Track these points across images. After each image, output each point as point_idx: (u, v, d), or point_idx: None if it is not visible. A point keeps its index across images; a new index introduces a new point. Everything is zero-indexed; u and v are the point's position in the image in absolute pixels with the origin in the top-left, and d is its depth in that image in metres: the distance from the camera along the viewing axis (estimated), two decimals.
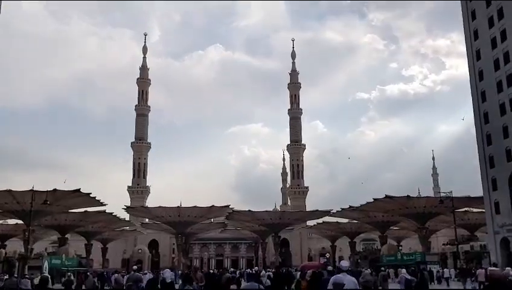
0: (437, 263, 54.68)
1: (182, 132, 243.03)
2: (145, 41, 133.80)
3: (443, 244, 75.09)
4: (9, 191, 55.61)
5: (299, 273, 28.47)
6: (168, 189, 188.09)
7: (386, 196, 59.74)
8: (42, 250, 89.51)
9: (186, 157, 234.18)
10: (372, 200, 62.82)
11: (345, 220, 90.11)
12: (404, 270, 21.66)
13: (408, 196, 60.09)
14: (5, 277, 25.80)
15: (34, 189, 50.70)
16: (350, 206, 73.04)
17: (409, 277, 20.62)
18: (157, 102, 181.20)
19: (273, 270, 34.99)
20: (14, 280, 20.71)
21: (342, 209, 76.46)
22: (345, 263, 12.56)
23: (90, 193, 61.51)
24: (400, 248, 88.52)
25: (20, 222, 68.02)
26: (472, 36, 57.70)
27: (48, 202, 45.29)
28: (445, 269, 50.18)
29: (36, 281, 24.19)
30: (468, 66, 58.07)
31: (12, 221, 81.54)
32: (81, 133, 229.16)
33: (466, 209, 71.68)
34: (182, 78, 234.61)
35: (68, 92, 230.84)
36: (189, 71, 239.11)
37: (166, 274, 22.27)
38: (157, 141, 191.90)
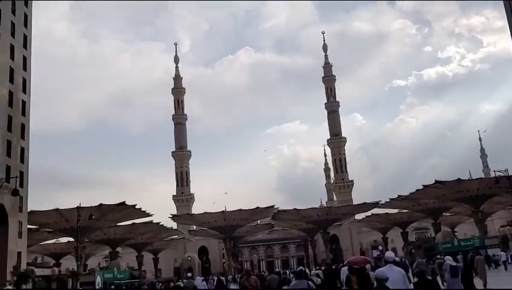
0: (497, 246, 51.67)
1: (220, 138, 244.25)
2: (176, 51, 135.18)
3: (501, 226, 71.37)
4: (57, 209, 56.76)
5: (345, 268, 27.03)
6: (212, 195, 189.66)
7: (436, 181, 57.23)
8: (95, 265, 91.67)
9: (227, 163, 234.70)
10: (422, 187, 60.36)
11: (395, 211, 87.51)
12: (449, 257, 19.96)
13: (459, 179, 57.33)
14: None
15: (80, 206, 51.39)
16: (399, 196, 70.64)
17: (454, 264, 19.02)
18: (193, 111, 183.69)
19: (323, 268, 33.58)
20: None
21: (391, 199, 74.09)
22: (390, 254, 11.72)
23: (135, 205, 62.02)
24: (455, 234, 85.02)
25: (71, 239, 69.57)
26: None
27: (94, 217, 45.80)
28: (501, 253, 47.27)
29: None
30: None
31: (64, 239, 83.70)
32: (122, 149, 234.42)
33: None
34: (215, 85, 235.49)
35: (106, 110, 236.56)
36: (221, 77, 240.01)
37: (197, 282, 21.96)
38: (197, 149, 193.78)
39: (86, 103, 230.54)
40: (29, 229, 66.17)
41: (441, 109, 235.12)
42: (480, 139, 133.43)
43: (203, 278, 28.52)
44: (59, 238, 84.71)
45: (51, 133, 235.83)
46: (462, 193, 60.23)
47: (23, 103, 48.78)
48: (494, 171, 45.48)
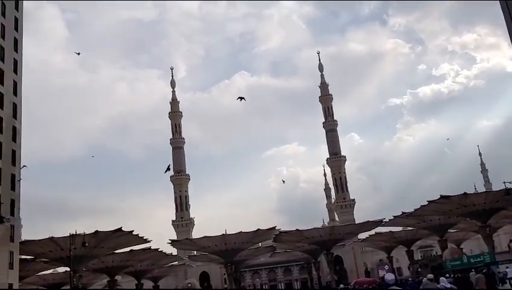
0: (510, 262, 49.66)
1: (219, 162, 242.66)
2: (172, 76, 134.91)
3: (510, 240, 69.45)
4: (51, 238, 54.90)
5: None
6: (212, 220, 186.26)
7: (441, 196, 55.58)
8: None
9: (226, 187, 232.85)
10: (427, 202, 58.70)
11: (399, 229, 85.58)
12: (443, 279, 18.44)
13: (465, 193, 55.67)
14: None
15: (76, 233, 49.61)
16: (403, 213, 68.86)
17: (448, 286, 17.60)
18: (191, 136, 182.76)
19: None
20: None
21: (395, 217, 72.25)
22: (390, 276, 11.39)
23: (133, 231, 60.24)
24: (462, 251, 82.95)
25: (68, 269, 67.45)
26: None
27: (87, 244, 44.15)
28: (507, 269, 45.13)
29: None
30: None
31: (61, 269, 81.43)
32: (121, 176, 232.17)
33: None
34: (212, 109, 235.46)
35: (105, 138, 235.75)
36: (218, 101, 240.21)
37: None
38: (196, 173, 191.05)
39: (86, 130, 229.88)
40: (24, 259, 64.49)
41: (437, 127, 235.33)
42: (480, 154, 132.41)
43: None
44: (56, 268, 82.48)
45: (51, 163, 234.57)
46: (468, 208, 58.44)
47: (14, 128, 47.53)
48: (504, 183, 43.98)
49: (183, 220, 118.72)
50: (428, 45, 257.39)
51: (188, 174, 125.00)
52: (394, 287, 10.83)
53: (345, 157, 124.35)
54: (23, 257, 61.47)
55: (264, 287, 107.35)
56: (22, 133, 49.13)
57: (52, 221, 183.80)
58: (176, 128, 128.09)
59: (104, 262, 71.31)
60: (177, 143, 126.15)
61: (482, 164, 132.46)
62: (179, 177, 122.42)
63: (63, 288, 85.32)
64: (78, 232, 50.59)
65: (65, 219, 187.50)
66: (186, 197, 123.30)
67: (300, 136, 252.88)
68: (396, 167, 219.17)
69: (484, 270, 39.45)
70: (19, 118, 49.14)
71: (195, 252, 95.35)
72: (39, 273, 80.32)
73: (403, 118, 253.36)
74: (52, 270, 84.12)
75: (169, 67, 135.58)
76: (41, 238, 56.55)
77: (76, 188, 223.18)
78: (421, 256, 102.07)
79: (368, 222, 75.50)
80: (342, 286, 33.79)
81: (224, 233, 74.63)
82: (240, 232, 72.78)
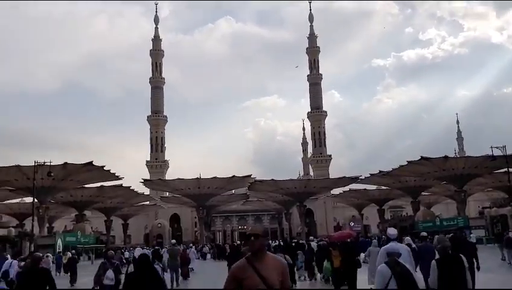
0: (483, 228, 49.90)
1: (197, 107, 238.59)
2: (156, 11, 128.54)
3: (483, 207, 70.17)
4: (18, 166, 52.63)
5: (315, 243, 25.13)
6: (187, 164, 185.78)
7: (422, 158, 54.90)
8: (62, 228, 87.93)
9: (203, 133, 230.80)
10: (406, 162, 58.08)
11: (373, 187, 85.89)
12: (408, 238, 17.01)
13: (446, 156, 55.13)
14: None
15: (43, 163, 47.19)
16: (380, 171, 68.46)
17: (413, 246, 16.27)
18: (170, 79, 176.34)
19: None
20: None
21: (371, 175, 72.00)
22: (392, 231, 11.41)
23: (104, 166, 58.30)
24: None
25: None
26: None
27: (52, 174, 41.95)
28: (471, 234, 44.83)
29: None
30: None
31: (29, 199, 79.54)
32: (94, 114, 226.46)
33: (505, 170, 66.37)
34: (194, 53, 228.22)
35: (80, 73, 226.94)
36: (200, 45, 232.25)
37: (136, 253, 22.33)
38: (173, 117, 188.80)
39: (60, 64, 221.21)
40: None
41: (417, 92, 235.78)
42: (457, 122, 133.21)
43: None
44: (24, 198, 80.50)
45: (19, 92, 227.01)
46: (446, 171, 58.11)
47: None
48: (491, 147, 43.04)
49: (157, 161, 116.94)
50: (417, 8, 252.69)
51: (166, 116, 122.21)
52: (393, 245, 9.54)
53: (326, 112, 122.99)
54: None
55: (234, 233, 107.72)
56: None
57: (22, 152, 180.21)
58: (157, 67, 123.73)
59: (72, 196, 69.74)
60: (156, 82, 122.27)
61: (459, 132, 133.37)
62: (156, 118, 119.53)
63: (29, 218, 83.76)
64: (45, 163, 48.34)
65: (34, 151, 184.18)
66: (162, 138, 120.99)
67: (281, 89, 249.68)
68: (372, 128, 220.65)
69: (452, 234, 38.99)
70: None
71: (167, 193, 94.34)
72: (4, 202, 78.44)
73: (385, 80, 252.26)
74: (20, 199, 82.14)
75: (154, 2, 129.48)
76: (6, 165, 54.17)
77: (48, 121, 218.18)
78: (390, 216, 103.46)
79: (344, 177, 75.08)
80: (311, 237, 32.76)
81: (198, 177, 73.49)
82: (215, 177, 71.76)
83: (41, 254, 9.60)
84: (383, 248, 10.52)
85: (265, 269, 4.80)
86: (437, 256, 8.84)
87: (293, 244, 27.24)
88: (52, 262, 28.86)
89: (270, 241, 46.42)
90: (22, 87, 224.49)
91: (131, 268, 12.06)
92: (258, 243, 4.91)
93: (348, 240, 25.66)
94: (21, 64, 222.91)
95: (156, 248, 26.08)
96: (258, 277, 4.73)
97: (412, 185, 71.28)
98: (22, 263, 15.57)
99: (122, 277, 11.82)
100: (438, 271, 7.91)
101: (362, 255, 19.83)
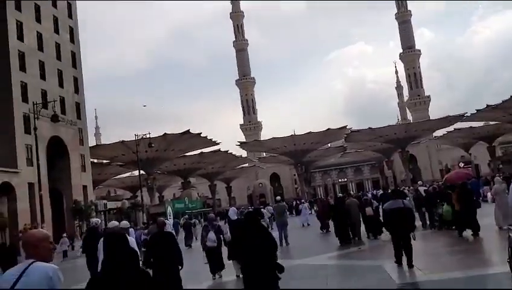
0: None
1: (282, 65, 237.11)
2: None
3: None
4: (123, 141, 55.53)
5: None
6: (279, 123, 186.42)
7: None
8: (171, 196, 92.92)
9: (291, 90, 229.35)
10: None
11: (480, 124, 79.50)
12: (420, 182, 14.52)
13: None
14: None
15: (144, 136, 49.25)
16: (488, 106, 62.82)
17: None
18: (252, 41, 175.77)
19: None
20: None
21: (478, 110, 66.38)
22: None
23: (201, 133, 59.82)
24: None
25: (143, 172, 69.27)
26: None
27: (153, 145, 43.84)
28: None
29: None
30: None
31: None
32: (185, 85, 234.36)
33: None
34: (272, 11, 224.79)
35: (166, 48, 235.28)
36: (277, 4, 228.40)
37: (230, 212, 21.80)
38: (260, 77, 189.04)
39: (146, 41, 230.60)
40: (100, 163, 66.78)
41: None
42: None
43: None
44: (133, 171, 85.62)
45: (115, 73, 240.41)
46: None
47: (71, 29, 45.89)
48: None
49: (251, 123, 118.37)
50: None
51: (253, 78, 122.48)
52: None
53: (419, 51, 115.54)
54: (97, 161, 63.50)
55: (335, 187, 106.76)
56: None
57: (125, 129, 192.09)
58: (239, 30, 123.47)
59: (176, 165, 72.59)
60: (240, 45, 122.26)
61: None
62: (245, 81, 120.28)
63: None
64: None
65: (132, 126, 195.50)
66: (253, 100, 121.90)
67: (365, 35, 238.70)
68: (471, 62, 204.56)
69: None
70: (75, 19, 47.30)
71: (264, 154, 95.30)
72: (117, 177, 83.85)
73: (478, 11, 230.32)
74: (130, 173, 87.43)
75: None
76: (111, 142, 57.41)
77: (141, 98, 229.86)
78: (502, 153, 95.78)
79: (448, 116, 70.13)
80: (420, 182, 30.69)
81: (293, 134, 72.92)
82: (310, 132, 70.69)
83: (164, 219, 9.91)
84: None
85: None
86: None
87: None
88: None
89: (374, 191, 44.78)
90: (114, 69, 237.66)
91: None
92: None
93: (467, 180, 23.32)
94: (113, 46, 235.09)
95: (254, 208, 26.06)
96: None
97: None
98: (146, 231, 18.63)
99: (227, 237, 11.72)
100: None
101: (489, 194, 17.82)
